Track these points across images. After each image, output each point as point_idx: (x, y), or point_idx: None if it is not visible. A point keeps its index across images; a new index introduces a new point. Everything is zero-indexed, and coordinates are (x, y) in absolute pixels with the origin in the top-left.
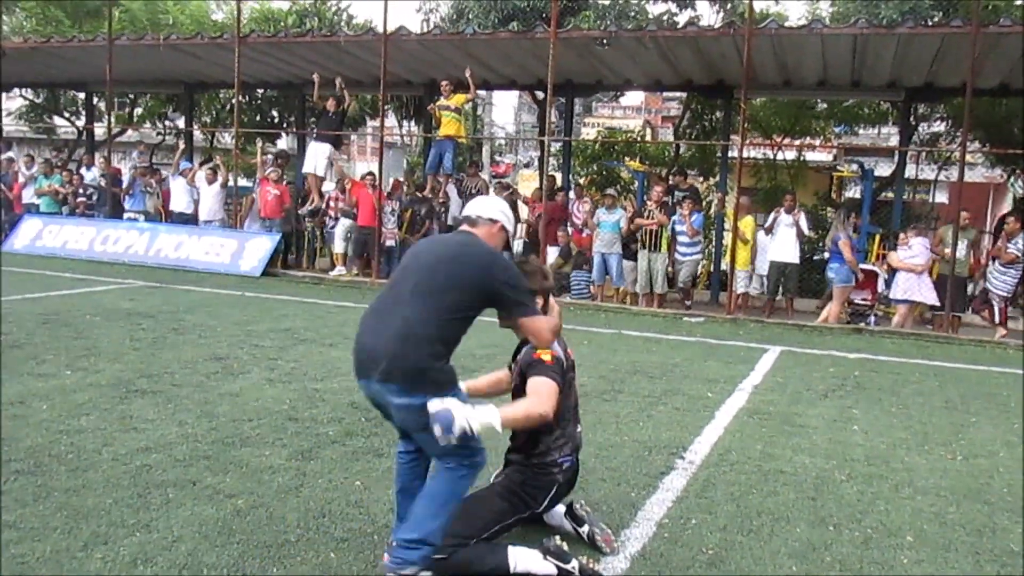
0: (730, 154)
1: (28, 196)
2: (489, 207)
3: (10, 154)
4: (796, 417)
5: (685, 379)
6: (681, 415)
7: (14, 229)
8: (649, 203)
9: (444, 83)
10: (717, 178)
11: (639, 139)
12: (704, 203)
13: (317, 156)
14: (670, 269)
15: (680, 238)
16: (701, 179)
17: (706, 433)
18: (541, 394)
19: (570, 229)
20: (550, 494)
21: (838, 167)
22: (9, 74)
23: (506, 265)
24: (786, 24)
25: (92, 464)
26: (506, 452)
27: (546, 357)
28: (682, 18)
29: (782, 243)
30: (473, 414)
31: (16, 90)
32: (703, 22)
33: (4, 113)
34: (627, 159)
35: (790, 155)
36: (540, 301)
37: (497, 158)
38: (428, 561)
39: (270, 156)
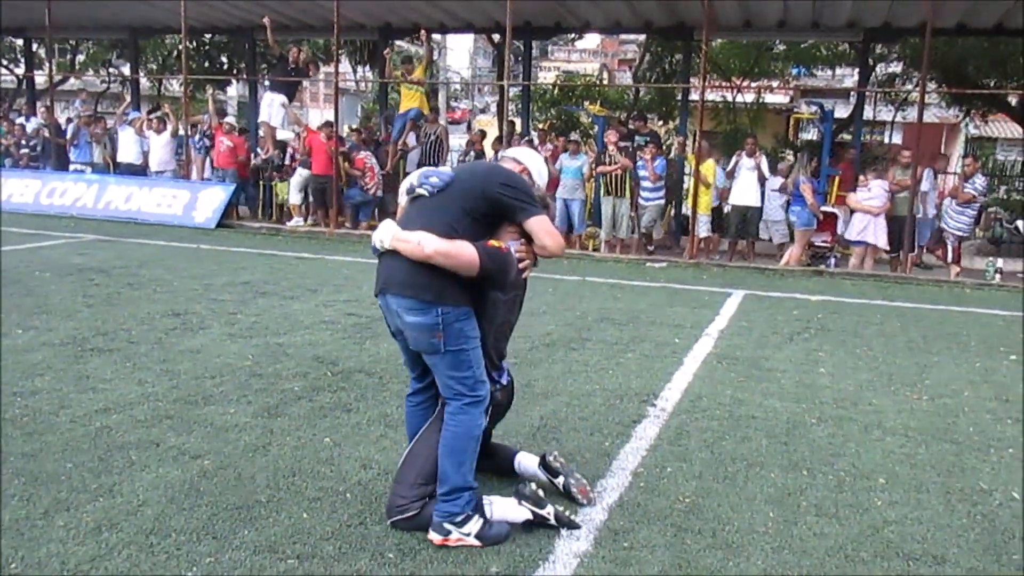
0: (690, 97)
1: None
2: (522, 152)
3: None
4: (763, 361)
5: (651, 325)
6: (650, 362)
7: None
8: (609, 147)
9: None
10: (677, 122)
11: (599, 83)
12: (664, 147)
13: (272, 105)
14: (633, 214)
15: (643, 183)
16: (660, 123)
17: (676, 379)
18: (457, 245)
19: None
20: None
21: (795, 109)
22: None
23: (507, 172)
24: None
25: (49, 427)
26: None
27: (492, 243)
28: None
29: (744, 187)
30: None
31: None
32: None
33: None
34: (587, 103)
35: (748, 98)
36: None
37: (453, 104)
38: (474, 504)
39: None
